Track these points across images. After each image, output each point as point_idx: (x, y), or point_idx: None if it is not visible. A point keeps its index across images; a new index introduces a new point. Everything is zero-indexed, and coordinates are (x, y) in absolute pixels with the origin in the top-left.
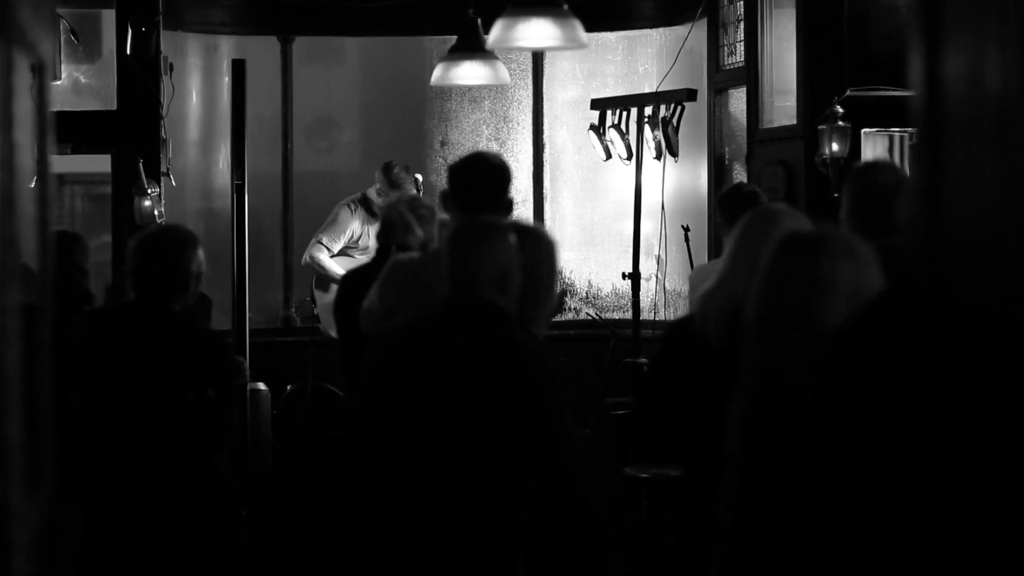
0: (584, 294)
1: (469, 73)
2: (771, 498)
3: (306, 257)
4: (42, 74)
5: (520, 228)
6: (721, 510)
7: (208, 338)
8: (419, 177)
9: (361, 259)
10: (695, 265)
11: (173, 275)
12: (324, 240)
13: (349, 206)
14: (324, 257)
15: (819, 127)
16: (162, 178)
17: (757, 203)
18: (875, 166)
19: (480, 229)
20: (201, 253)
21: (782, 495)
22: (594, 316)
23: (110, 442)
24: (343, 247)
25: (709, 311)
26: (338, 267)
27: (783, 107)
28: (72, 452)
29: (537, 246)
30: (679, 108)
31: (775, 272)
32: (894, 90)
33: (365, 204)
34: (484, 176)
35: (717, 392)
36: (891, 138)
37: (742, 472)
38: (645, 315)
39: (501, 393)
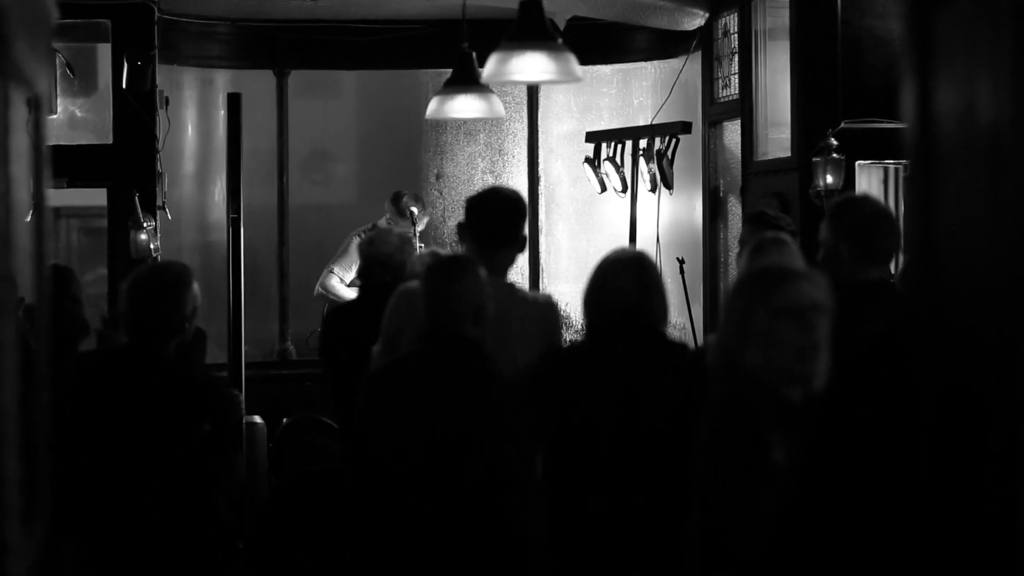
0: (579, 326)
1: (464, 107)
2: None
3: (318, 287)
4: (38, 108)
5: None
6: (688, 555)
7: (203, 380)
8: (415, 210)
9: None
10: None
11: (168, 318)
12: (336, 270)
13: (360, 236)
14: (336, 283)
15: (813, 159)
16: (158, 211)
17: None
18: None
19: (452, 267)
20: (196, 288)
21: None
22: None
23: (105, 482)
24: (354, 278)
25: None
26: (352, 293)
27: (777, 139)
28: (67, 489)
29: None
30: (674, 140)
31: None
32: (888, 122)
33: None
34: (500, 208)
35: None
36: (886, 170)
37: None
38: None
39: (477, 418)
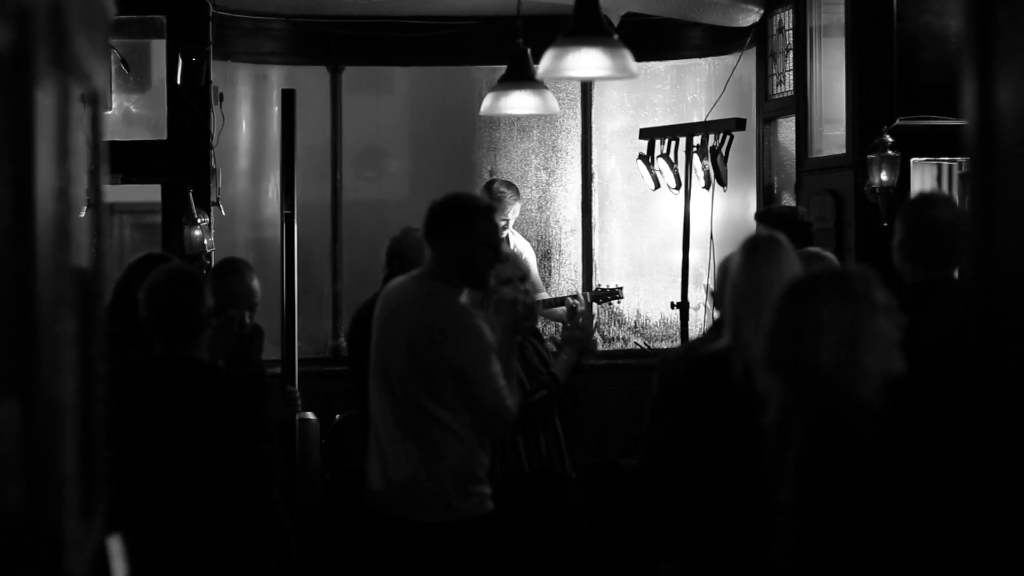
0: (632, 324)
1: (518, 103)
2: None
3: None
4: (96, 104)
5: None
6: (777, 559)
7: (242, 381)
8: (506, 194)
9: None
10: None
11: (191, 320)
12: None
13: None
14: None
15: (868, 156)
16: (212, 207)
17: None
18: (931, 200)
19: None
20: (256, 283)
21: (848, 538)
22: (643, 346)
23: (151, 486)
24: None
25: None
26: None
27: (832, 136)
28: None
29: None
30: (728, 137)
31: (772, 324)
32: (944, 119)
33: None
34: (429, 211)
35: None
36: (939, 167)
37: (802, 518)
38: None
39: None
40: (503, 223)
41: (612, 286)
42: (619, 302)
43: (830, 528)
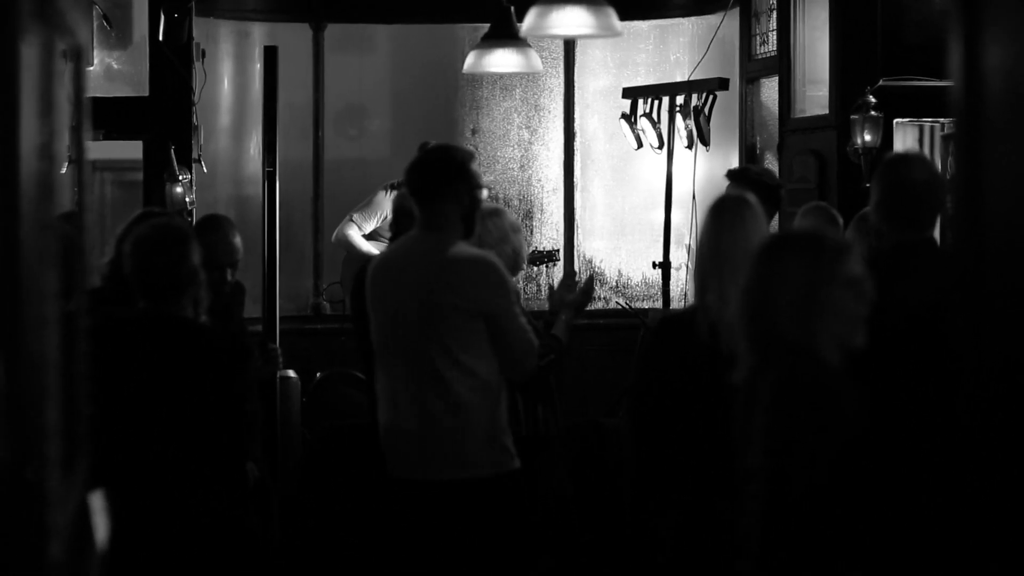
0: (614, 283)
1: (502, 61)
2: (801, 505)
3: (336, 234)
4: (79, 59)
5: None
6: (742, 523)
7: (226, 340)
8: None
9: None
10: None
11: (177, 277)
12: (355, 218)
13: (385, 188)
14: (354, 234)
15: (851, 117)
16: (193, 165)
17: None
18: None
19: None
20: (239, 240)
21: (815, 505)
22: (624, 305)
23: (131, 441)
24: (375, 229)
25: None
26: (368, 245)
27: (815, 96)
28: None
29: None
30: (711, 97)
31: (746, 279)
32: (927, 80)
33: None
34: (423, 164)
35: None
36: (921, 128)
37: (767, 482)
38: (675, 304)
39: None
40: None
41: (548, 248)
42: (554, 264)
43: (797, 494)
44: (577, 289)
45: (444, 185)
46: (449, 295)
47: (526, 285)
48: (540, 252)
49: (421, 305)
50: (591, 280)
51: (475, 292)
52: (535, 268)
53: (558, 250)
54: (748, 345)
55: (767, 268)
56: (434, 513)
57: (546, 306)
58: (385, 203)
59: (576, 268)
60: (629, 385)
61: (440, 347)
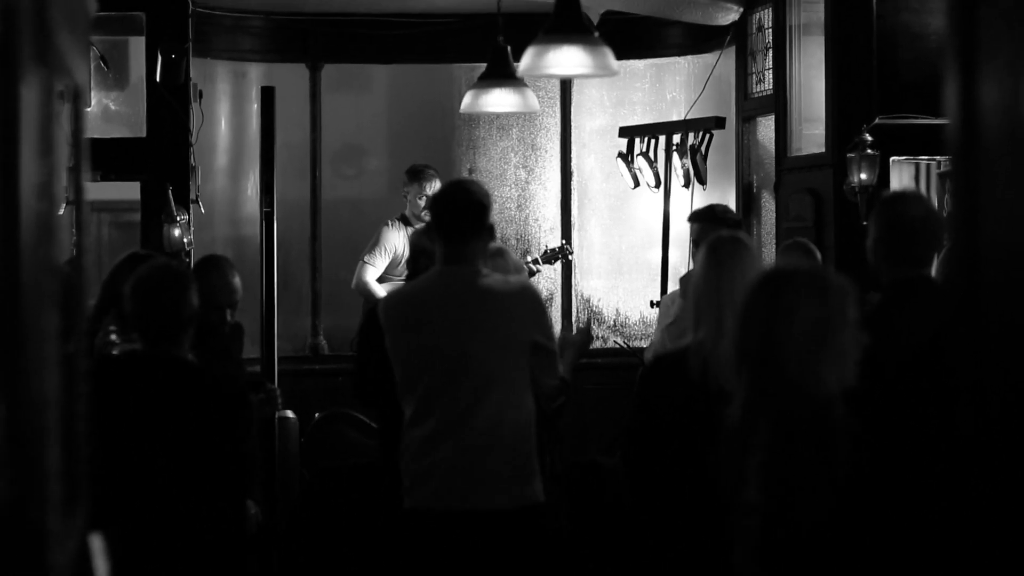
0: (612, 322)
1: (499, 100)
2: (800, 541)
3: (355, 282)
4: (78, 99)
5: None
6: (739, 559)
7: (225, 381)
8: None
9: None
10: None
11: (176, 317)
12: (367, 258)
13: (388, 223)
14: (371, 280)
15: (847, 155)
16: (191, 205)
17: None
18: (903, 197)
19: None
20: (238, 280)
21: (814, 538)
22: (622, 344)
23: (134, 484)
24: (388, 270)
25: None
26: (383, 291)
27: (811, 135)
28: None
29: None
30: (707, 136)
31: (743, 314)
32: (923, 117)
33: (404, 220)
34: (462, 204)
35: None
36: (918, 166)
37: (766, 518)
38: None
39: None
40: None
41: (556, 246)
42: (571, 256)
43: (794, 529)
44: (575, 331)
45: (478, 224)
46: (507, 326)
47: None
48: (551, 251)
49: (473, 338)
50: (589, 323)
51: (532, 318)
52: (551, 265)
53: (565, 241)
54: (746, 380)
55: (772, 305)
56: (469, 543)
57: None
58: (392, 237)
59: (574, 307)
60: (625, 424)
61: (496, 374)
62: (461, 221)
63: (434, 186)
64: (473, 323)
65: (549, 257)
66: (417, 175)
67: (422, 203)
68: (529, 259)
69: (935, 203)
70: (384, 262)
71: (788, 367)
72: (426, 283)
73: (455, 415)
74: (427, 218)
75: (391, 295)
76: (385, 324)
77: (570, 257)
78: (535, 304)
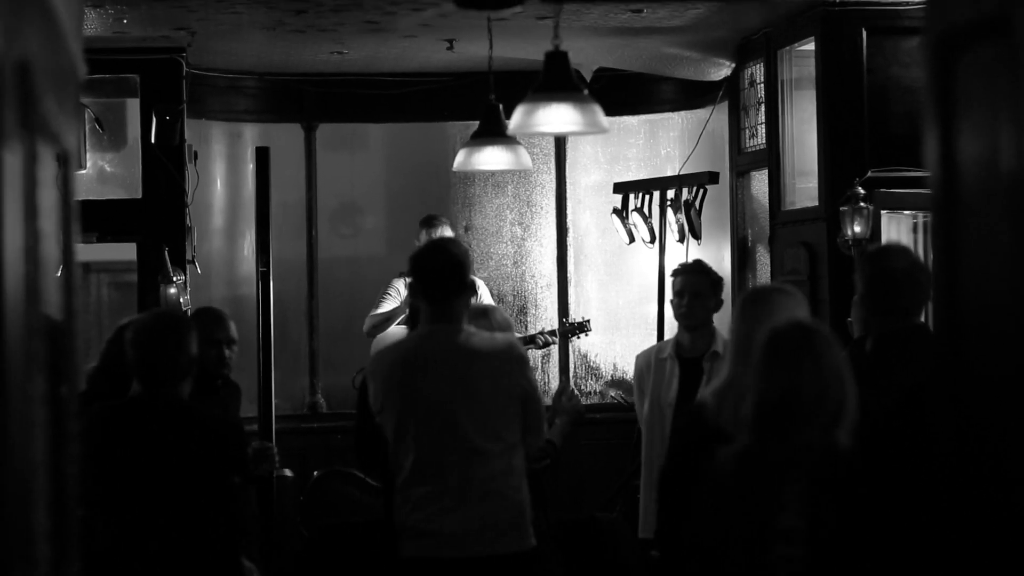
0: (609, 377)
1: (492, 158)
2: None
3: (366, 328)
4: (67, 164)
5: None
6: None
7: (223, 425)
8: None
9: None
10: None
11: (176, 362)
12: (375, 310)
13: (400, 274)
14: (384, 309)
15: (841, 208)
16: (187, 265)
17: None
18: (886, 250)
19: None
20: (234, 329)
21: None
22: (620, 399)
23: (125, 528)
24: (395, 319)
25: (725, 403)
26: (391, 304)
27: (805, 188)
28: (89, 536)
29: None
30: (702, 191)
31: (765, 367)
32: (915, 170)
33: None
34: (441, 263)
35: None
36: (916, 216)
37: (809, 544)
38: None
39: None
40: None
41: (579, 319)
42: (586, 335)
43: (837, 555)
44: (564, 399)
45: (458, 282)
46: (505, 381)
47: None
48: (572, 324)
49: (461, 395)
50: (574, 395)
51: (519, 372)
52: (567, 340)
53: (588, 320)
54: (771, 430)
55: (784, 379)
56: None
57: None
58: (397, 283)
59: (571, 363)
60: (624, 479)
61: (486, 430)
62: (442, 281)
63: (445, 232)
64: (461, 381)
65: (567, 331)
66: (428, 222)
67: None
68: (546, 329)
69: (929, 254)
70: (393, 304)
71: (818, 419)
72: (412, 342)
73: (449, 471)
74: None
75: (379, 354)
76: (373, 383)
77: (589, 334)
78: (520, 361)
